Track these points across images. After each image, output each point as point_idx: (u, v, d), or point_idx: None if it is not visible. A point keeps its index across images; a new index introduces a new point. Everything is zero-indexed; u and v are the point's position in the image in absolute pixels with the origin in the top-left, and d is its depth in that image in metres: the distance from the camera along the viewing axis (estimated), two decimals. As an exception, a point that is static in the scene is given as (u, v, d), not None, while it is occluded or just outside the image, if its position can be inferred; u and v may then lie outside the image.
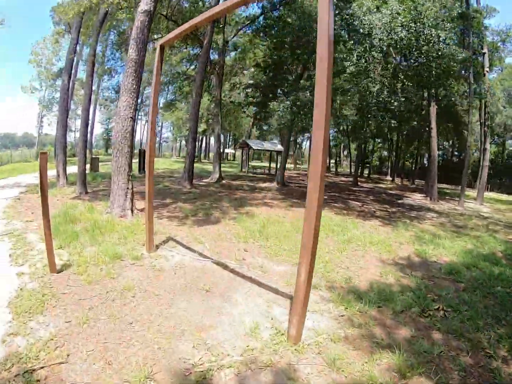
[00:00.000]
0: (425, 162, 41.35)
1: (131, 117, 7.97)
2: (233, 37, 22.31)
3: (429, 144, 20.01)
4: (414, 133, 21.04)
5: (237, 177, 22.29)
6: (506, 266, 6.93)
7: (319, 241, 7.28)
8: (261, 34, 18.60)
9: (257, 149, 28.80)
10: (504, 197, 28.05)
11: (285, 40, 15.34)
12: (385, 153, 46.37)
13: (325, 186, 20.78)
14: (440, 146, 35.77)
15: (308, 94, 13.34)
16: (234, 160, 59.24)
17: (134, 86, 7.85)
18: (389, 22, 11.43)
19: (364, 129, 14.40)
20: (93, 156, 23.25)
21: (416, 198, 19.77)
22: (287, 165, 28.41)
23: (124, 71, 8.15)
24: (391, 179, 34.41)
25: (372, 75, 12.35)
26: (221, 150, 19.88)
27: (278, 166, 22.42)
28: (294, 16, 13.70)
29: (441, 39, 11.83)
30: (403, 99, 12.27)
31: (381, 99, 12.20)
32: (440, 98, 18.81)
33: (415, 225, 10.91)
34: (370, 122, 14.91)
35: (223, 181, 18.07)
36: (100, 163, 21.45)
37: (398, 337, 3.81)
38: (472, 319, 4.39)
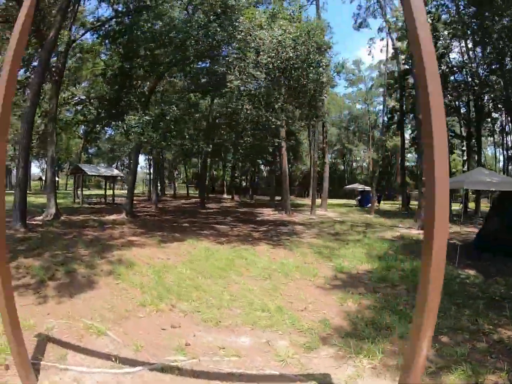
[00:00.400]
0: (256, 178, 45.06)
1: None
2: (80, 37, 17.45)
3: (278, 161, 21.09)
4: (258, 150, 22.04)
5: (74, 210, 17.46)
6: (408, 260, 8.07)
7: (236, 285, 6.17)
8: (107, 41, 15.56)
9: (93, 175, 24.00)
10: (332, 201, 32.99)
11: (139, 49, 13.33)
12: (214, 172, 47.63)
13: (173, 212, 19.64)
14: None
15: (175, 108, 11.49)
16: (58, 189, 48.67)
17: None
18: (279, 41, 11.08)
19: (239, 149, 13.77)
20: None
21: (270, 213, 20.63)
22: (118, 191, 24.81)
23: None
24: (230, 197, 35.39)
25: (253, 92, 11.70)
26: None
27: (118, 193, 19.01)
28: (157, 24, 11.89)
29: (321, 64, 12.36)
30: (285, 118, 12.25)
31: (264, 119, 11.83)
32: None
33: (300, 241, 11.19)
34: (244, 141, 14.35)
35: (62, 218, 13.53)
36: None
37: (435, 357, 3.64)
38: (445, 312, 4.77)
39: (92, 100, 17.90)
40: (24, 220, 10.97)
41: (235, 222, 16.10)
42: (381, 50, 42.49)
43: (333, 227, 14.80)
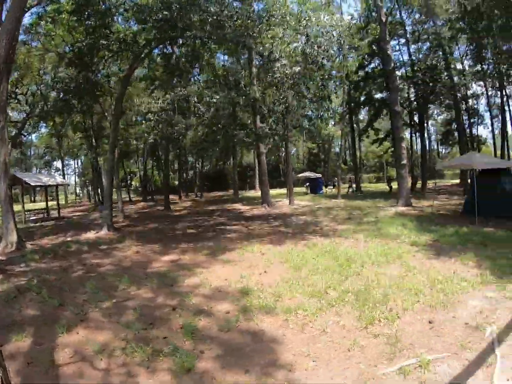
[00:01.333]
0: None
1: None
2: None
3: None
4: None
5: (26, 232, 13.04)
6: (448, 227, 8.86)
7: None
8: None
9: (37, 185, 18.71)
10: (277, 191, 32.35)
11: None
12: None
13: (146, 219, 16.64)
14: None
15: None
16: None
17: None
18: None
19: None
20: None
21: (249, 208, 19.37)
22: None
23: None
24: (177, 196, 31.83)
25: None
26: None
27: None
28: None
29: None
30: None
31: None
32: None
33: (337, 229, 10.92)
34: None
35: (29, 246, 9.80)
36: None
37: None
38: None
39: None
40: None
41: (235, 220, 14.51)
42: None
43: (334, 213, 14.80)
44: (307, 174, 34.57)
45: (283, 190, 31.58)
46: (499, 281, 4.84)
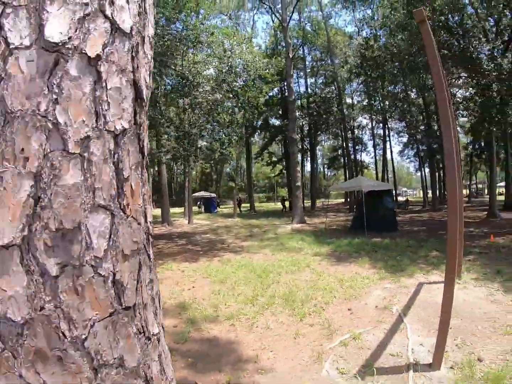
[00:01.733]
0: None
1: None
2: None
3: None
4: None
5: None
6: (341, 238, 10.94)
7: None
8: None
9: None
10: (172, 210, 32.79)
11: None
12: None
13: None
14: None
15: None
16: None
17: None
18: None
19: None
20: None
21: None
22: None
23: None
24: None
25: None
26: None
27: None
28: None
29: None
30: None
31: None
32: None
33: (244, 245, 11.56)
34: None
35: None
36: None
37: None
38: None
39: None
40: None
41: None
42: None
43: (235, 231, 15.94)
44: (202, 193, 35.36)
45: (176, 209, 31.70)
46: (392, 276, 6.35)
